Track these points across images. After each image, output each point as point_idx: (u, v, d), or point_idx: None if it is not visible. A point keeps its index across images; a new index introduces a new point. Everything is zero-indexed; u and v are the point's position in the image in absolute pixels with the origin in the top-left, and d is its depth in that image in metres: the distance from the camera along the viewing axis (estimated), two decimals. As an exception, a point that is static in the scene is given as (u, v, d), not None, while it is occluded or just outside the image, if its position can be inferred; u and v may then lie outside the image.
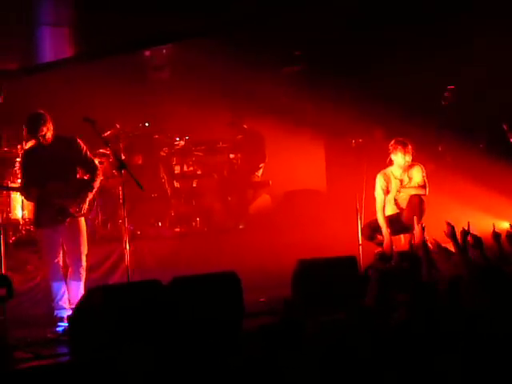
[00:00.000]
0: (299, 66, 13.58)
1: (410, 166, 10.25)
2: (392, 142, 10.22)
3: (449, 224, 7.47)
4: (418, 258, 7.76)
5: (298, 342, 4.91)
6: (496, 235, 7.55)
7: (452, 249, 7.69)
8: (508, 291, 5.24)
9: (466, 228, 7.60)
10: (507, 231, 7.73)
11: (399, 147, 10.12)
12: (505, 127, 12.64)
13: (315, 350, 4.78)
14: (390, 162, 10.28)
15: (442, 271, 7.41)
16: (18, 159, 10.42)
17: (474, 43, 11.77)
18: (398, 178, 10.26)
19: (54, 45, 11.85)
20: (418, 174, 10.24)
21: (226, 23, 11.11)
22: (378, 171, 10.35)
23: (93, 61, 12.07)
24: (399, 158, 10.15)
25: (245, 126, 13.05)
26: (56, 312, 8.51)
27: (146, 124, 12.48)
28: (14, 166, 10.35)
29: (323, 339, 4.94)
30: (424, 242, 7.76)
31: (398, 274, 8.06)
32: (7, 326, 7.34)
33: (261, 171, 12.93)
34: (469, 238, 7.42)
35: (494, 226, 7.64)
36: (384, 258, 9.31)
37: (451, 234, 7.42)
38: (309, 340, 4.95)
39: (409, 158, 10.14)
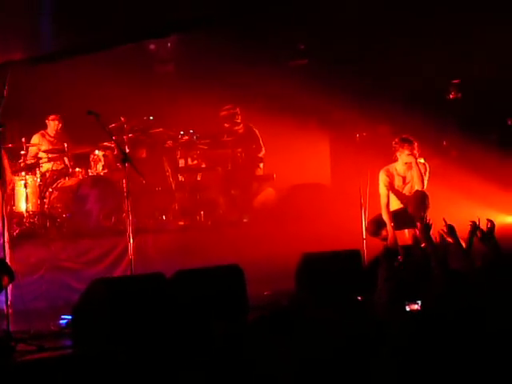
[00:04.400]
0: (304, 60, 13.55)
1: (416, 164, 10.11)
2: (396, 139, 10.08)
3: (446, 222, 7.48)
4: (425, 252, 7.77)
5: (286, 334, 4.90)
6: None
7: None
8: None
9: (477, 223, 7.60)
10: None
11: (405, 145, 9.98)
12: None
13: (304, 342, 4.77)
14: (395, 159, 10.19)
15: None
16: (22, 152, 10.51)
17: (480, 36, 11.74)
18: (402, 174, 10.17)
19: (58, 34, 11.81)
20: (419, 171, 10.09)
21: (231, 13, 11.09)
22: (383, 166, 10.27)
23: (97, 51, 12.04)
24: (405, 156, 10.04)
25: (238, 121, 12.97)
26: None
27: (151, 117, 12.45)
28: (19, 159, 10.44)
29: (314, 332, 4.92)
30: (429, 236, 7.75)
31: (407, 270, 8.08)
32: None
33: (262, 164, 12.90)
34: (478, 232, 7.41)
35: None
36: (390, 254, 9.27)
37: (450, 231, 7.42)
38: (298, 332, 4.93)
39: (415, 156, 10.01)
